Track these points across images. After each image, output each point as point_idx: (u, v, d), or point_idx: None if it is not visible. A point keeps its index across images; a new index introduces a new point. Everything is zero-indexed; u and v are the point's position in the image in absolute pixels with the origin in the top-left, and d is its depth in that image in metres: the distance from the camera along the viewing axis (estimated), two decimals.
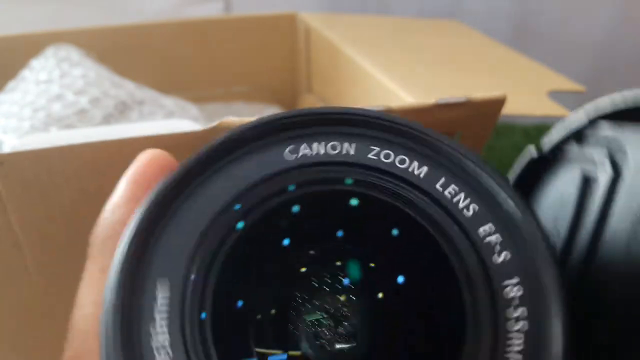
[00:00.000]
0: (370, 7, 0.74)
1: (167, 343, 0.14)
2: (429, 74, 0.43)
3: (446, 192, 0.16)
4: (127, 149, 0.25)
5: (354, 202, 0.17)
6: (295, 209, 0.17)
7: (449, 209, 0.16)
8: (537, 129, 0.73)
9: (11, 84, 0.43)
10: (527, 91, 0.40)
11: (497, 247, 0.15)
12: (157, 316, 0.14)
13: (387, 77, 0.41)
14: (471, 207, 0.16)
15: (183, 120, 0.35)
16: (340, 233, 0.18)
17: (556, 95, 0.39)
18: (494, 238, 0.15)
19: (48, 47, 0.45)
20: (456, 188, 0.16)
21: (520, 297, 0.14)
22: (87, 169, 0.26)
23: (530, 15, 0.78)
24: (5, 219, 0.27)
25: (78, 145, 0.26)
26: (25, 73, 0.43)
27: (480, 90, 0.40)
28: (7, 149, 0.34)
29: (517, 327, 0.14)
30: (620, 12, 0.78)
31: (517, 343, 0.14)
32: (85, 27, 0.51)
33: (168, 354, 0.14)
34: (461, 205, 0.16)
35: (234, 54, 0.57)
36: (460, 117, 0.31)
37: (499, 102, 0.31)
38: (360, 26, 0.55)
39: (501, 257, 0.15)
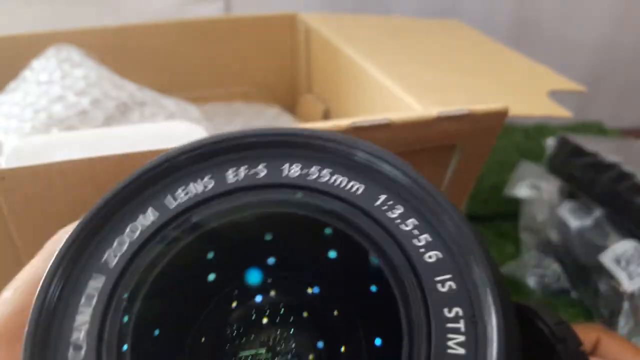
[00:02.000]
0: (370, 7, 0.74)
1: None
2: (429, 73, 0.43)
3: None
4: (127, 163, 0.25)
5: (268, 237, 0.17)
6: (211, 254, 0.17)
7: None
8: (537, 129, 0.73)
9: (12, 85, 0.43)
10: (528, 91, 0.40)
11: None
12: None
13: (387, 77, 0.41)
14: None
15: (184, 122, 0.35)
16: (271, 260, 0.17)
17: (556, 96, 0.39)
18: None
19: (49, 48, 0.45)
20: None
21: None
22: (87, 183, 0.26)
23: (530, 15, 0.77)
24: (6, 233, 0.28)
25: (78, 160, 0.26)
26: (26, 74, 0.43)
27: (480, 90, 0.40)
28: (8, 150, 0.34)
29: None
30: (620, 12, 0.78)
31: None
32: (85, 27, 0.51)
33: None
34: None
35: (234, 54, 0.57)
36: (462, 130, 0.31)
37: (501, 114, 0.31)
38: (360, 26, 0.55)
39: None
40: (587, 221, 0.48)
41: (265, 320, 0.17)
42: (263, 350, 0.16)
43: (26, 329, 0.14)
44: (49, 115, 0.37)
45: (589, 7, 0.77)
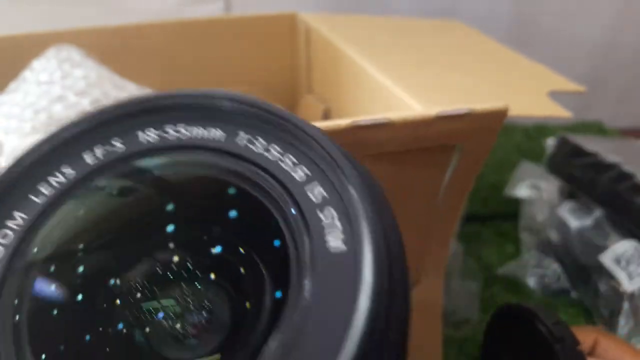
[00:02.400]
0: (370, 7, 0.74)
1: None
2: (429, 74, 0.43)
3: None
4: None
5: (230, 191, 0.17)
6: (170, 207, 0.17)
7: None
8: (537, 129, 0.73)
9: (12, 85, 0.43)
10: (527, 91, 0.40)
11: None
12: None
13: (388, 77, 0.41)
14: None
15: None
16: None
17: (556, 96, 0.39)
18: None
19: (49, 48, 0.45)
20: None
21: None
22: None
23: (530, 15, 0.78)
24: None
25: None
26: (27, 74, 0.43)
27: (480, 90, 0.40)
28: (8, 149, 0.34)
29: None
30: (620, 12, 0.78)
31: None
32: (85, 27, 0.51)
33: None
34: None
35: (234, 54, 0.57)
36: (462, 129, 0.31)
37: (501, 114, 0.31)
38: (360, 26, 0.55)
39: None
40: (587, 221, 0.48)
41: (173, 275, 0.17)
42: (171, 303, 0.17)
43: None
44: (49, 115, 0.37)
45: (589, 7, 0.77)
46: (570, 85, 0.42)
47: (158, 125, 0.17)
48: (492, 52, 0.50)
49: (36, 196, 0.17)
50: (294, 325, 0.13)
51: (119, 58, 0.50)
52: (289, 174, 0.15)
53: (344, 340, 0.12)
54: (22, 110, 0.38)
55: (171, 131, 0.17)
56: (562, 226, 0.50)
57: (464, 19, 0.59)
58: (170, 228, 0.18)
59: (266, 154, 0.16)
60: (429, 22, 0.59)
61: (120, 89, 0.42)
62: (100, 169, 0.17)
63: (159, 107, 0.17)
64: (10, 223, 0.16)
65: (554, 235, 0.51)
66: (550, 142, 0.57)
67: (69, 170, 0.17)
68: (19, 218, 0.16)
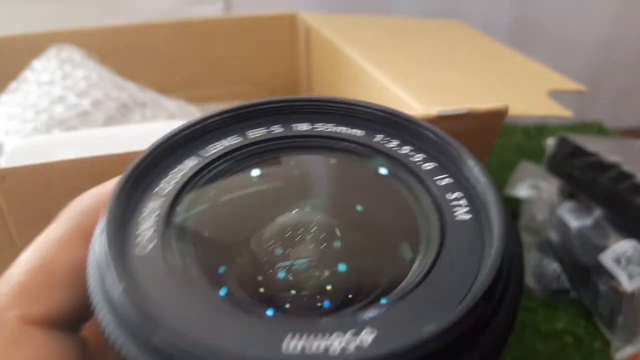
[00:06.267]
0: (370, 7, 0.74)
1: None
2: (429, 73, 0.43)
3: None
4: (127, 162, 0.26)
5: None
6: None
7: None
8: (537, 129, 0.73)
9: (13, 85, 0.43)
10: (527, 91, 0.40)
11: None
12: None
13: (387, 77, 0.41)
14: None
15: (183, 121, 0.35)
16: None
17: (556, 96, 0.39)
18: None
19: (50, 48, 0.45)
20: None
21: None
22: (86, 182, 0.26)
23: (530, 15, 0.78)
24: (6, 232, 0.28)
25: (78, 160, 0.26)
26: (27, 74, 0.43)
27: (480, 90, 0.41)
28: (9, 150, 0.34)
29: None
30: (620, 12, 0.78)
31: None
32: (85, 27, 0.51)
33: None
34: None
35: (234, 54, 0.57)
36: (461, 129, 0.31)
37: (501, 113, 0.31)
38: (360, 26, 0.55)
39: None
40: (587, 221, 0.48)
41: (308, 236, 0.20)
42: (303, 261, 0.19)
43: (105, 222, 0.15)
44: (50, 116, 0.37)
45: (589, 7, 0.77)
46: (570, 85, 0.42)
47: (312, 121, 0.20)
48: (493, 52, 0.50)
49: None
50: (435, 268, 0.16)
51: (119, 58, 0.50)
52: (419, 165, 0.19)
53: (478, 276, 0.15)
54: (23, 110, 0.38)
55: (321, 126, 0.20)
56: (562, 226, 0.50)
57: (464, 19, 0.59)
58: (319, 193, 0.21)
59: (400, 150, 0.19)
60: (429, 22, 0.59)
61: (121, 89, 0.42)
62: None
63: (317, 107, 0.21)
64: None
65: (554, 235, 0.51)
66: (550, 142, 0.57)
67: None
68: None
